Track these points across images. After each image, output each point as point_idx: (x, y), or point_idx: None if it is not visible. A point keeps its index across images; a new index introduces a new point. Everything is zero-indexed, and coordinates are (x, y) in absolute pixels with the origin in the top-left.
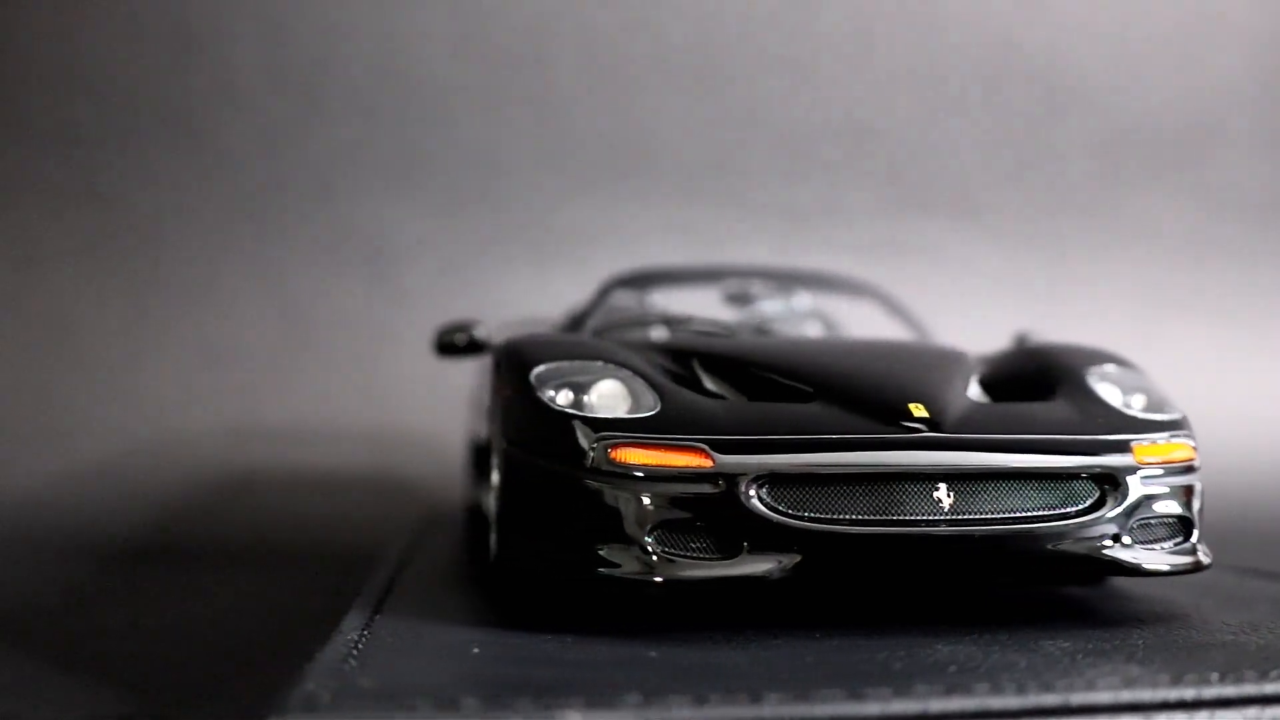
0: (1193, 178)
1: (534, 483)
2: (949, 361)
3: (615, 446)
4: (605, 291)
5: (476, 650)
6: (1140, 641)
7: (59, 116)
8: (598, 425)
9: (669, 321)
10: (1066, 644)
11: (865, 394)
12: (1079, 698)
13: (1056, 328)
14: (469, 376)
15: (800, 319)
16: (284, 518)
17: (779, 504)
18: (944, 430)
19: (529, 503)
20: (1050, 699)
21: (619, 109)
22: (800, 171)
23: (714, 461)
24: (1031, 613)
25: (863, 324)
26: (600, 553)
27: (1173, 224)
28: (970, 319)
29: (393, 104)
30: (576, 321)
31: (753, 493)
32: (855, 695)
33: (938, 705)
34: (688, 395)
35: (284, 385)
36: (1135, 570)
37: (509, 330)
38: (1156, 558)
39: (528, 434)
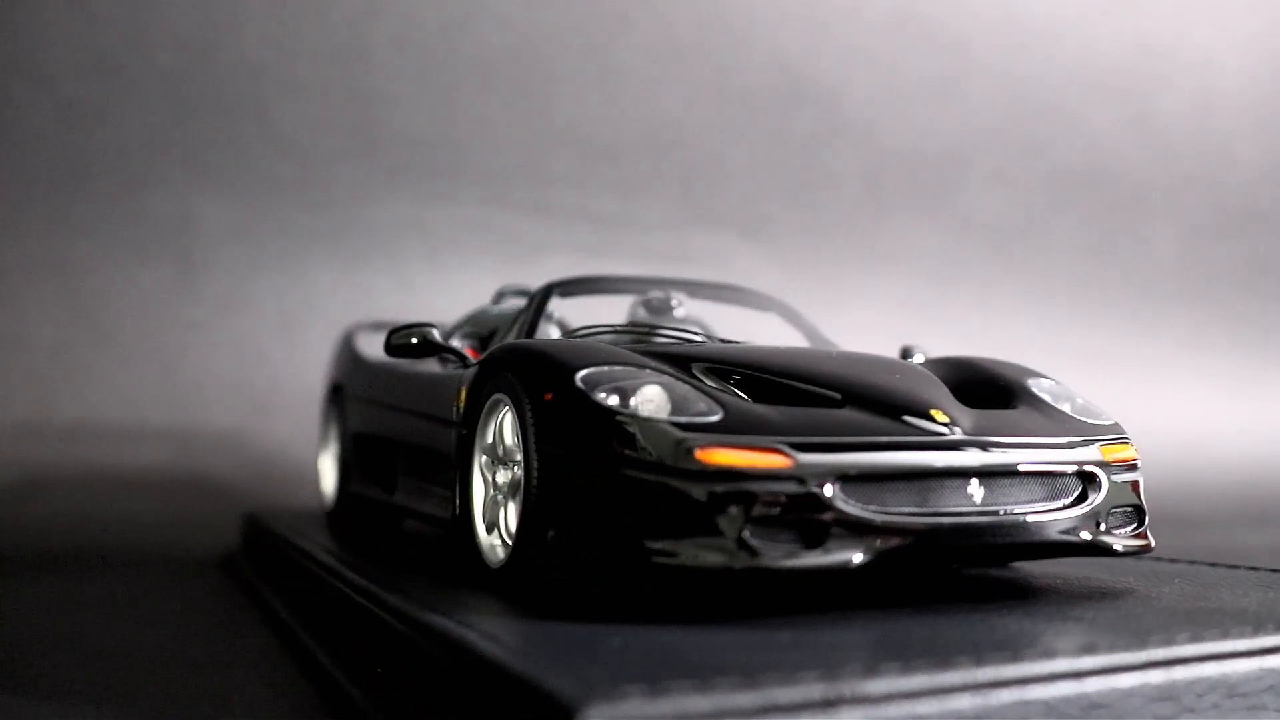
0: (942, 204)
1: (588, 484)
2: (927, 373)
3: (701, 447)
4: (544, 298)
5: (618, 641)
6: (1142, 610)
7: None
8: (682, 428)
9: (571, 332)
10: (1086, 614)
11: (890, 401)
12: (1162, 653)
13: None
14: (287, 371)
15: (684, 322)
16: (82, 520)
17: (850, 498)
18: (964, 434)
19: (580, 503)
20: (1160, 653)
21: (433, 110)
22: (603, 183)
23: (794, 461)
24: (1009, 591)
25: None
26: (656, 545)
27: (923, 246)
28: (750, 327)
29: (205, 89)
30: (515, 329)
31: (830, 490)
32: (1016, 658)
33: (1067, 665)
34: (741, 401)
35: (77, 380)
36: (1110, 551)
37: (372, 331)
38: (1123, 541)
39: (579, 436)
